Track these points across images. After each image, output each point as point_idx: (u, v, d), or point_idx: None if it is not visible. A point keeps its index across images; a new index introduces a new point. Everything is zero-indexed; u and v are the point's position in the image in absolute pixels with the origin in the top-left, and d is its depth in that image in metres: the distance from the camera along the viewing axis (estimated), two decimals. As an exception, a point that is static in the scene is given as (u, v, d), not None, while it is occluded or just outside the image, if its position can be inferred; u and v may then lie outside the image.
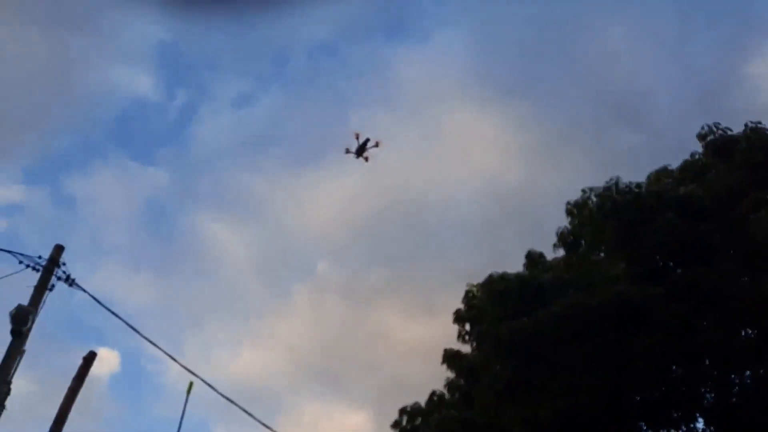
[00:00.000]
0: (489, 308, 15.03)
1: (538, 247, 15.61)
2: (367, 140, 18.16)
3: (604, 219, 13.64)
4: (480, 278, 15.35)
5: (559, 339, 13.13)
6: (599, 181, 13.99)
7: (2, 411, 17.70)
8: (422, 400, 17.01)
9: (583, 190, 14.01)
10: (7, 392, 14.55)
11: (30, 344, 13.35)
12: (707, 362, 13.77)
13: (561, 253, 14.93)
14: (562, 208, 14.56)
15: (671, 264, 14.21)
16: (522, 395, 13.86)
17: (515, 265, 15.69)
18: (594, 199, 13.96)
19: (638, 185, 13.83)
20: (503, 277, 14.68)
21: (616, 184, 13.75)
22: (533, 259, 15.43)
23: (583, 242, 14.65)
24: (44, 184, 59.35)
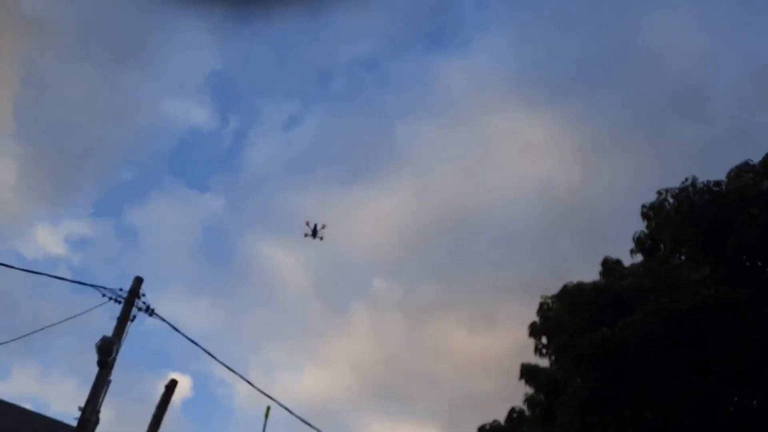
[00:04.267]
0: (566, 320, 14.62)
1: (598, 251, 15.21)
2: (316, 225, 24.50)
3: (682, 222, 13.09)
4: (539, 287, 15.05)
5: (643, 348, 12.61)
6: (661, 178, 13.44)
7: (91, 441, 18.14)
8: (494, 415, 16.67)
9: (659, 192, 13.48)
10: (96, 422, 14.96)
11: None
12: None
13: (639, 258, 14.41)
14: (622, 209, 14.07)
15: (759, 263, 13.50)
16: (607, 409, 13.33)
17: (575, 271, 15.26)
18: (670, 200, 13.42)
19: (717, 183, 13.23)
20: (579, 287, 14.27)
21: (693, 183, 13.19)
22: (610, 266, 14.95)
23: (662, 246, 14.08)
24: (109, 216, 61.85)
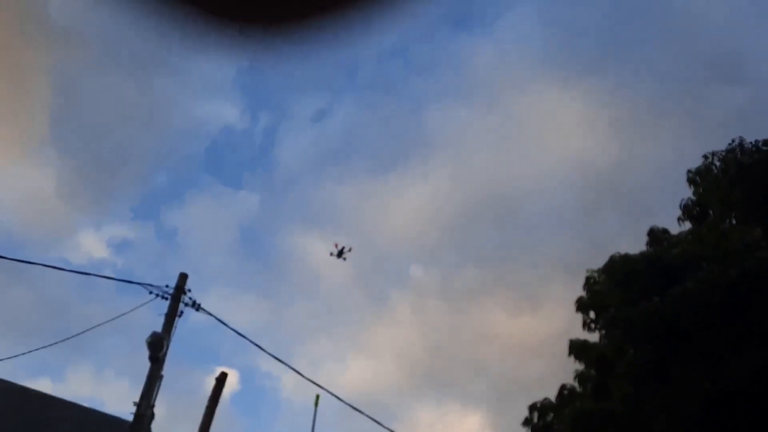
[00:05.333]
0: (614, 292, 14.31)
1: (642, 226, 14.76)
2: (343, 248, 26.22)
3: (731, 184, 12.64)
4: (582, 266, 14.73)
5: (696, 318, 12.25)
6: (702, 147, 13.00)
7: (148, 435, 18.51)
8: (545, 395, 16.49)
9: (705, 156, 13.05)
10: (152, 416, 15.26)
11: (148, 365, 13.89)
12: None
13: (687, 227, 14.00)
14: (663, 181, 13.70)
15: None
16: (662, 381, 13.04)
17: (618, 248, 14.83)
18: (717, 164, 12.98)
19: (766, 142, 12.74)
20: (626, 259, 13.93)
21: (740, 144, 12.72)
22: (656, 236, 14.54)
23: (710, 212, 13.65)
24: (148, 219, 63.06)
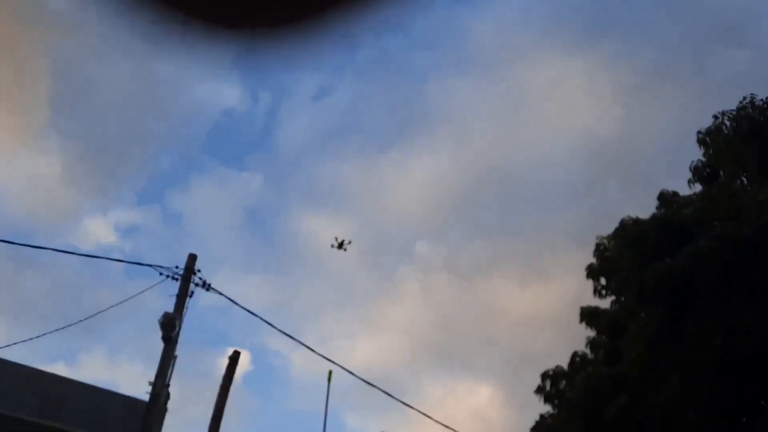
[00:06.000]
0: (625, 256, 14.32)
1: (650, 194, 14.67)
2: (343, 240, 28.62)
3: (742, 142, 12.58)
4: (590, 237, 14.71)
5: (709, 276, 12.27)
6: (709, 112, 12.87)
7: (165, 413, 18.73)
8: (555, 365, 16.52)
9: (715, 116, 12.97)
10: (167, 396, 15.35)
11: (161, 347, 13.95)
12: None
13: (698, 189, 13.95)
14: (670, 148, 13.64)
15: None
16: (675, 341, 13.09)
17: (624, 216, 14.72)
18: (727, 123, 12.90)
19: (777, 99, 12.67)
20: (637, 222, 13.92)
21: (752, 102, 12.64)
22: (666, 199, 14.51)
23: (721, 173, 13.60)
24: (153, 203, 63.07)
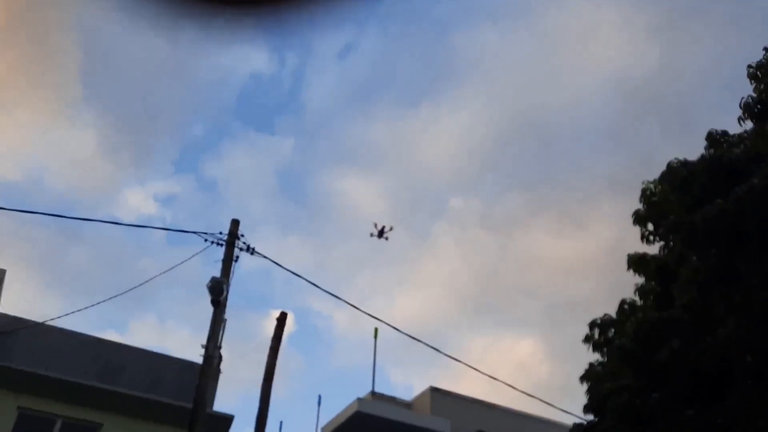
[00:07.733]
0: (673, 200, 13.98)
1: (692, 136, 14.20)
2: (384, 227, 24.94)
3: (797, 74, 12.02)
4: (630, 183, 14.33)
5: (764, 215, 11.90)
6: (752, 46, 12.24)
7: (219, 375, 19.22)
8: (596, 314, 16.34)
9: (766, 48, 12.39)
10: (220, 358, 15.73)
11: (208, 313, 14.23)
12: None
13: (749, 126, 13.44)
14: (711, 86, 13.04)
15: None
16: (730, 284, 12.81)
17: (665, 159, 14.26)
18: (781, 55, 12.32)
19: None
20: (685, 164, 13.52)
21: (806, 32, 12.00)
22: (715, 138, 14.03)
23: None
24: (189, 172, 63.89)
